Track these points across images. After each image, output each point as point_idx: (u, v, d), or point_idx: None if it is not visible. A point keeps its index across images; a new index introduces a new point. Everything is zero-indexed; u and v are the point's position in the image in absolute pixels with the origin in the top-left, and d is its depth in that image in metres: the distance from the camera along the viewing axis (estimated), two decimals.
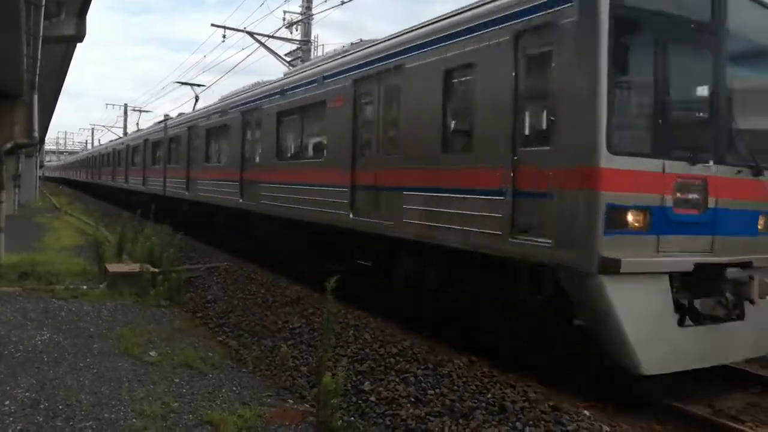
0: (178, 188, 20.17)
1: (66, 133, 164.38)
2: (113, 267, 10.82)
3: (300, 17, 24.73)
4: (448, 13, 8.23)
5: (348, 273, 8.22)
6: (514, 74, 6.67)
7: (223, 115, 16.41)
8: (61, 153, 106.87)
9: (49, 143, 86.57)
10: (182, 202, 20.10)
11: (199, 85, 32.27)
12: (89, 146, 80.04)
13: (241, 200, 14.56)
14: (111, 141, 43.77)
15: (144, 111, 46.54)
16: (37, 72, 11.48)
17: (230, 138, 15.89)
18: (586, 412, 5.50)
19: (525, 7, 6.57)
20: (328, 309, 5.41)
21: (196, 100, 28.04)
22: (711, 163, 6.28)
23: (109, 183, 36.95)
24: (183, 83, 32.24)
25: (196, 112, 20.57)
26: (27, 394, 5.42)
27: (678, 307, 6.04)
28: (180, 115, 23.87)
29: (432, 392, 5.97)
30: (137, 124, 43.88)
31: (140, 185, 26.53)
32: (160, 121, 25.57)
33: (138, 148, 28.49)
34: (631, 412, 5.62)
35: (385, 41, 9.62)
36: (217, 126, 16.97)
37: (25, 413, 5.00)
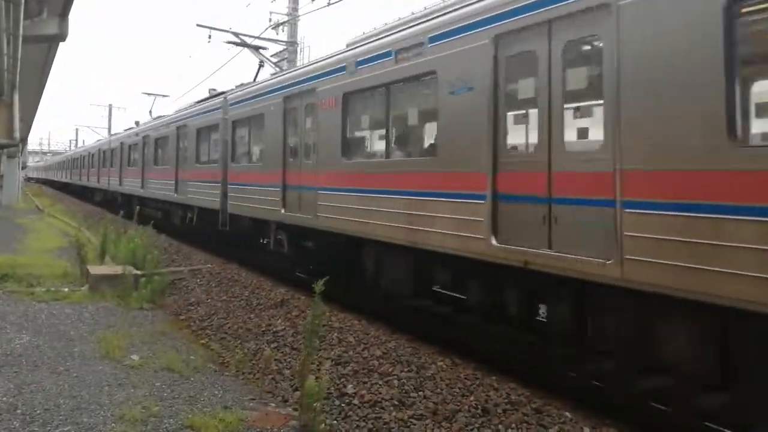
0: (263, 203, 11.79)
1: (50, 133, 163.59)
2: (95, 269, 10.71)
3: (286, 18, 24.66)
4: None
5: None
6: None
7: (408, 58, 8.02)
8: (45, 153, 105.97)
9: (32, 144, 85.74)
10: (266, 227, 12.25)
11: (264, 47, 20.50)
12: (73, 147, 77.92)
13: (495, 241, 6.48)
14: (114, 134, 33.27)
15: (160, 95, 35.17)
16: (18, 71, 11.35)
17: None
18: (568, 414, 5.52)
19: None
20: (314, 311, 5.37)
21: (260, 67, 17.94)
22: None
23: (115, 188, 28.36)
24: (240, 44, 20.31)
25: (303, 68, 11.27)
26: (3, 398, 5.33)
27: None
28: (242, 85, 15.06)
29: (415, 395, 5.97)
30: (150, 112, 32.79)
31: (170, 193, 18.56)
32: (211, 96, 17.13)
33: (164, 140, 20.14)
34: (614, 414, 5.63)
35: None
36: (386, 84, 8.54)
37: (1, 418, 4.92)
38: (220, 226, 14.35)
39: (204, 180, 15.66)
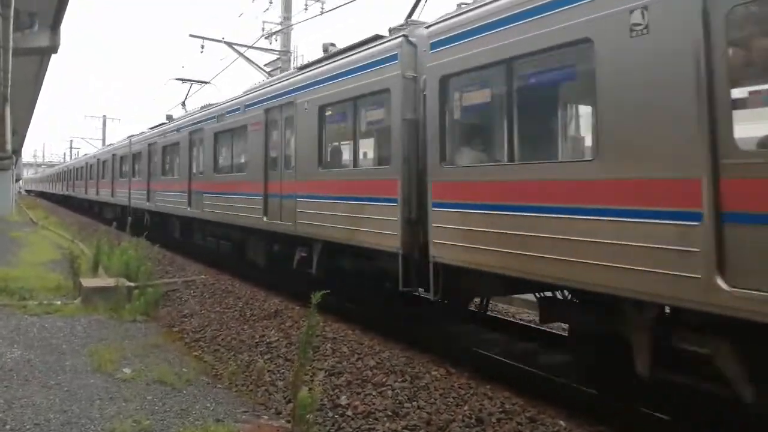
0: (605, 256, 5.08)
1: (44, 145, 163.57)
2: (88, 281, 10.66)
3: (279, 27, 24.71)
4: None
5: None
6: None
7: None
8: (39, 165, 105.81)
9: (26, 156, 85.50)
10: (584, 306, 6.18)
11: None
12: (68, 158, 77.20)
13: None
14: (136, 134, 24.55)
15: (198, 82, 24.10)
16: (9, 84, 11.33)
17: None
18: (563, 423, 5.49)
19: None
20: (310, 322, 5.33)
21: (412, 11, 9.01)
22: None
23: (140, 204, 21.46)
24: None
25: None
26: None
27: None
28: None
29: (409, 405, 5.94)
30: (183, 103, 23.59)
31: (253, 216, 11.75)
32: (352, 47, 9.59)
33: (235, 135, 13.38)
34: (608, 421, 5.60)
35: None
36: None
37: None
38: (402, 286, 7.68)
39: (347, 195, 8.84)
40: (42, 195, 74.23)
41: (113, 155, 27.65)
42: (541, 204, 5.70)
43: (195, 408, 5.66)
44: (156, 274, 12.82)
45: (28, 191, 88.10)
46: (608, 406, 5.81)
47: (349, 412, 5.81)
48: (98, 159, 31.93)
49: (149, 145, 20.88)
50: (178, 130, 17.54)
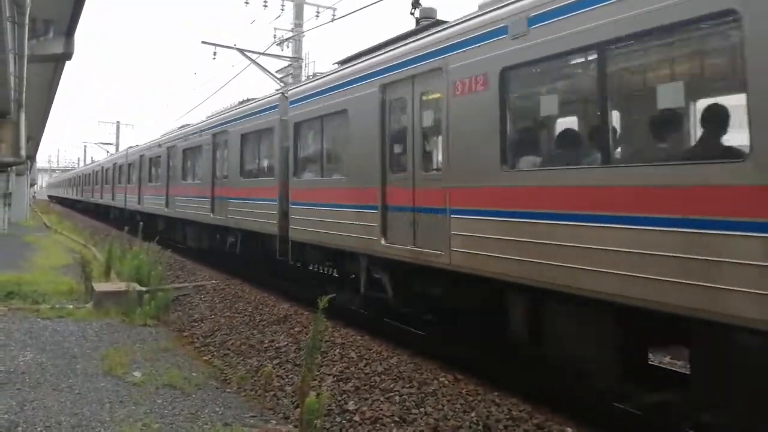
0: None
1: (59, 150, 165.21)
2: (100, 286, 10.76)
3: (291, 34, 24.86)
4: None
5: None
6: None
7: None
8: (54, 171, 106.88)
9: (41, 161, 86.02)
10: None
11: None
12: (81, 164, 77.18)
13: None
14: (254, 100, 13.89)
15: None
16: (24, 90, 11.49)
17: None
18: (570, 430, 5.48)
19: None
20: (315, 327, 5.36)
21: None
22: None
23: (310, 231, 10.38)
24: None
25: None
26: (5, 416, 5.36)
27: None
28: None
29: (416, 411, 5.94)
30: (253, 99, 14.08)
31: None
32: None
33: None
34: (616, 430, 5.58)
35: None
36: None
37: None
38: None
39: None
40: (64, 202, 64.26)
41: (216, 134, 15.44)
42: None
43: (204, 412, 5.71)
44: (167, 278, 12.92)
45: (50, 197, 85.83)
46: (617, 413, 5.79)
47: (357, 418, 5.83)
48: (168, 148, 20.14)
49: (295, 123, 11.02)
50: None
